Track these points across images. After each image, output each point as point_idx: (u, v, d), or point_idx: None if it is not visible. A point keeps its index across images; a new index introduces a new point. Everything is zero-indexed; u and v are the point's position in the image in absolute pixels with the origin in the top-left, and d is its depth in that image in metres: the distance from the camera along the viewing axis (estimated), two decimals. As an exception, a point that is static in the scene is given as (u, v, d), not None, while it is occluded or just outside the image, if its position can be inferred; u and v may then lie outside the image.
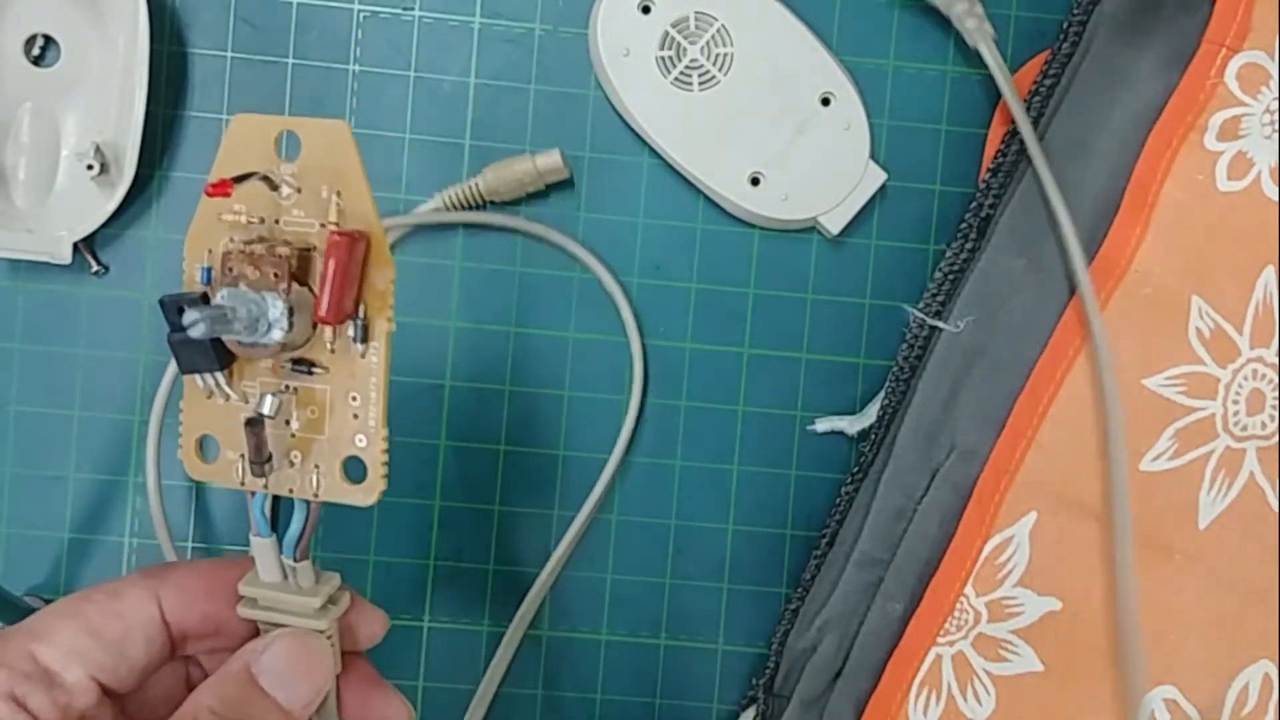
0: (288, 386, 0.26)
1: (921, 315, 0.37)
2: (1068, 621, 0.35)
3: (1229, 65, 0.35)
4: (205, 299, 0.25)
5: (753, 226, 0.40)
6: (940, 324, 0.36)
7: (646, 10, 0.38)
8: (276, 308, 0.25)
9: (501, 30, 0.40)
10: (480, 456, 0.40)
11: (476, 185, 0.39)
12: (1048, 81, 0.37)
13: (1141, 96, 0.36)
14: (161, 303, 0.25)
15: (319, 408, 0.26)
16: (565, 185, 0.40)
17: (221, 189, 0.24)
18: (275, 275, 0.25)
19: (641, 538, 0.40)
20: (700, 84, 0.38)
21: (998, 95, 0.40)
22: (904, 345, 0.37)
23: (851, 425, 0.40)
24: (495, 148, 0.40)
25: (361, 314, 0.26)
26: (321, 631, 0.27)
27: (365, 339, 0.26)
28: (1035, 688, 0.35)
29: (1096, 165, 0.36)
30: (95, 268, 0.39)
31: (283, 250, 0.25)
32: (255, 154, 0.26)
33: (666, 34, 0.38)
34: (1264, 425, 0.36)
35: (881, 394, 0.38)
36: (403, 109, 0.40)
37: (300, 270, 0.25)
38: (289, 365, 0.26)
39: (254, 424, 0.26)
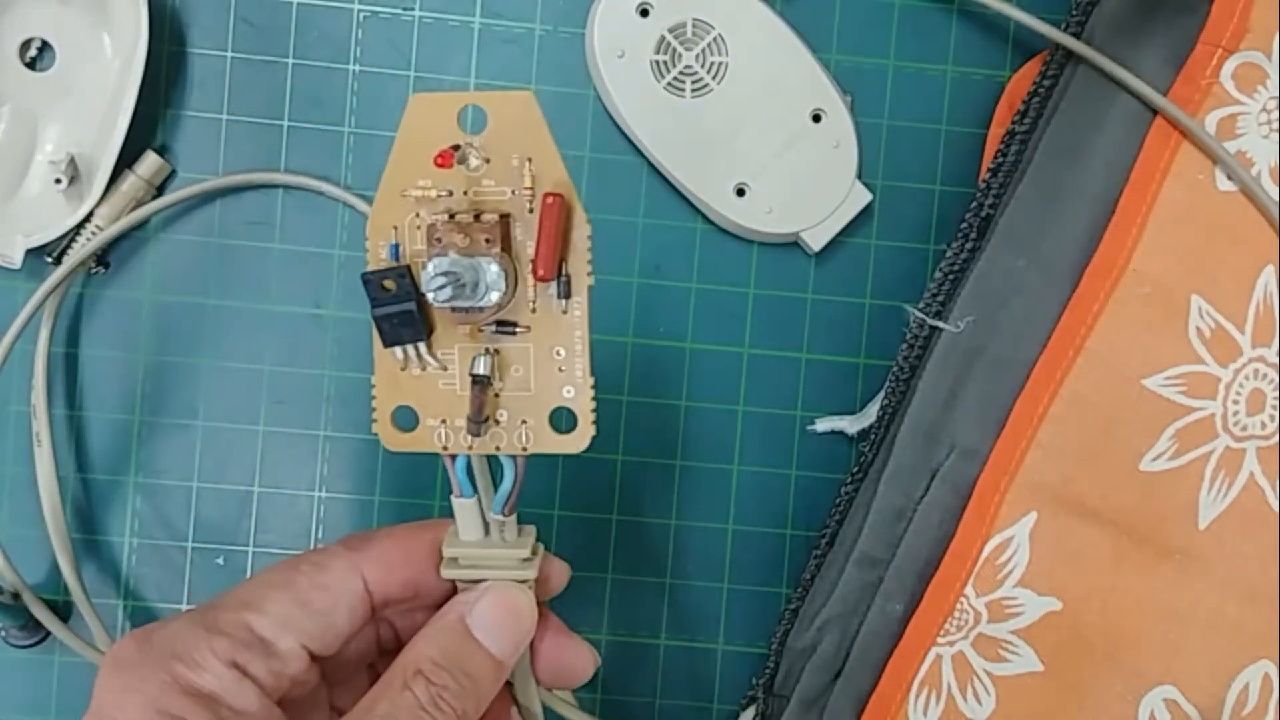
0: (488, 349, 0.27)
1: (921, 315, 0.37)
2: (1068, 621, 0.35)
3: (1225, 65, 0.35)
4: (409, 272, 0.26)
5: (735, 236, 0.40)
6: (940, 324, 0.36)
7: (645, 13, 0.38)
8: (492, 271, 0.26)
9: (501, 30, 0.40)
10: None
11: (98, 226, 0.38)
12: (1047, 82, 0.37)
13: (1140, 96, 0.36)
14: (365, 279, 0.26)
15: (523, 365, 0.27)
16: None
17: (446, 160, 0.26)
18: (487, 240, 0.26)
19: (641, 537, 0.40)
20: (693, 91, 0.38)
21: (998, 95, 0.40)
22: (904, 345, 0.37)
23: (851, 425, 0.40)
24: (495, 148, 0.40)
25: (564, 271, 0.27)
26: (524, 581, 0.28)
27: (568, 294, 0.27)
28: (1035, 688, 0.35)
29: (1095, 165, 0.36)
30: (95, 267, 0.39)
31: (489, 217, 0.26)
32: (436, 132, 0.26)
33: (663, 38, 0.38)
34: (1264, 425, 0.36)
35: (881, 394, 0.38)
36: (402, 109, 0.40)
37: (503, 236, 0.26)
38: (491, 328, 0.27)
39: (479, 382, 0.27)
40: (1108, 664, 0.35)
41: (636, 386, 0.40)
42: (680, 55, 0.38)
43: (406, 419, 0.28)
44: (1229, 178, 0.35)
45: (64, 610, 0.39)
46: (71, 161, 0.37)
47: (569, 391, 0.27)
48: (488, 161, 0.27)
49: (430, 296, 0.26)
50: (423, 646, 0.27)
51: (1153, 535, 0.35)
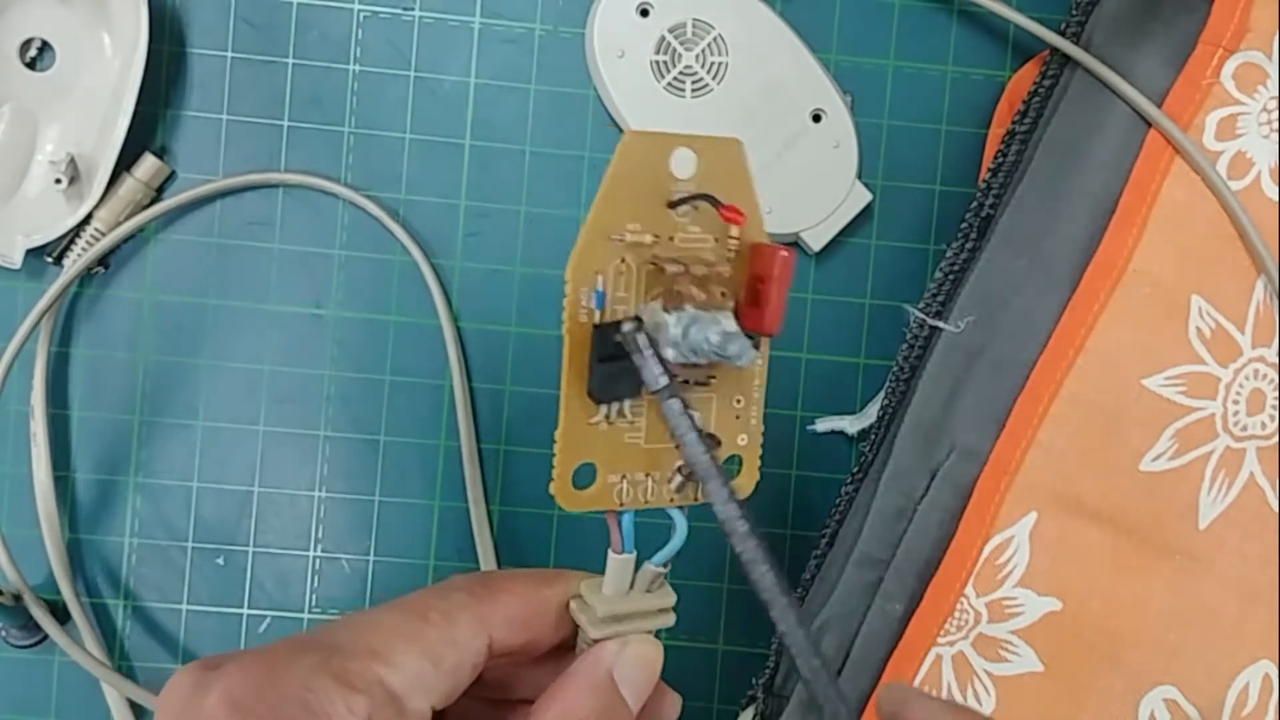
0: (681, 399, 0.26)
1: (921, 315, 0.37)
2: (1068, 621, 0.35)
3: (1225, 65, 0.35)
4: (639, 322, 0.25)
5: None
6: (940, 324, 0.36)
7: (645, 13, 0.38)
8: (731, 324, 0.25)
9: (501, 30, 0.40)
10: (481, 456, 0.40)
11: (97, 229, 0.38)
12: (1047, 82, 0.37)
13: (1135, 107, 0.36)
14: (597, 330, 0.25)
15: (704, 414, 0.27)
16: (566, 184, 0.40)
17: (736, 215, 0.26)
18: (723, 295, 0.26)
19: (641, 537, 0.40)
20: (693, 91, 0.38)
21: (998, 95, 0.40)
22: (904, 345, 0.37)
23: (851, 425, 0.40)
24: (495, 148, 0.40)
25: None
26: (667, 626, 0.28)
27: (757, 345, 0.27)
28: (1035, 688, 0.35)
29: (1095, 165, 0.36)
30: (95, 267, 0.39)
31: (724, 270, 0.26)
32: (648, 171, 0.26)
33: (663, 38, 0.38)
34: (1264, 425, 0.35)
35: (881, 394, 0.38)
36: (403, 109, 0.40)
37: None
38: (691, 380, 0.27)
39: (713, 439, 0.26)
40: (1108, 664, 0.35)
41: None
42: (680, 55, 0.38)
43: (584, 477, 0.27)
44: (1230, 178, 0.35)
45: (64, 611, 0.39)
46: (71, 161, 0.37)
47: (743, 439, 0.27)
48: (696, 208, 0.26)
49: (672, 354, 0.25)
50: (576, 701, 0.26)
51: (1153, 535, 0.35)
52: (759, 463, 0.27)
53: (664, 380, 0.25)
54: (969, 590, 0.35)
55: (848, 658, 0.36)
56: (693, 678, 0.41)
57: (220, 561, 0.40)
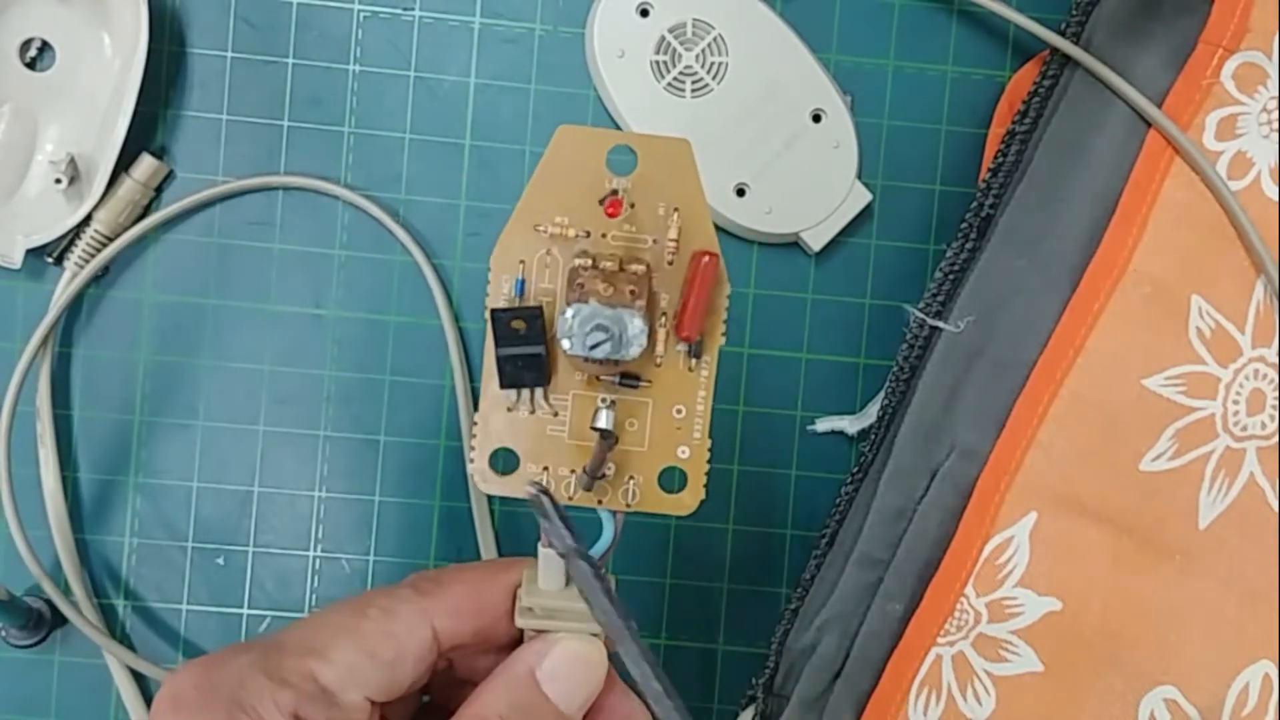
0: (605, 399, 0.26)
1: (921, 315, 0.37)
2: (1068, 621, 0.35)
3: (1225, 65, 0.35)
4: (541, 314, 0.25)
5: (735, 236, 0.40)
6: (940, 324, 0.36)
7: (645, 13, 0.38)
8: (635, 325, 0.25)
9: (501, 30, 0.40)
10: (480, 457, 0.40)
11: (97, 231, 0.38)
12: (1046, 82, 0.37)
13: (1135, 107, 0.36)
14: (494, 315, 0.25)
15: (639, 420, 0.27)
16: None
17: (615, 209, 0.25)
18: (632, 292, 0.25)
19: (641, 538, 0.40)
20: (693, 91, 0.38)
21: (998, 95, 0.40)
22: (904, 345, 0.37)
23: (851, 425, 0.40)
24: (495, 148, 0.40)
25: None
26: (597, 635, 0.28)
27: (699, 354, 0.26)
28: (1035, 688, 0.35)
29: (1096, 164, 0.36)
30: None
31: (636, 268, 0.25)
32: (581, 167, 0.26)
33: (663, 39, 0.38)
34: (1264, 425, 0.36)
35: (881, 394, 0.38)
36: (403, 109, 0.40)
37: (648, 289, 0.26)
38: (614, 379, 0.26)
39: (606, 438, 0.26)
40: (1108, 664, 0.35)
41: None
42: (680, 55, 0.38)
43: (505, 462, 0.27)
44: (1230, 178, 0.35)
45: (74, 610, 0.39)
46: (71, 161, 0.37)
47: (684, 451, 0.27)
48: (632, 206, 0.26)
49: (568, 344, 0.25)
50: (490, 699, 0.26)
51: (1153, 535, 0.35)
52: (704, 479, 0.26)
53: (569, 543, 0.25)
54: (969, 590, 0.35)
55: (848, 658, 0.36)
56: (693, 678, 0.41)
57: (220, 561, 0.40)
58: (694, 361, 0.26)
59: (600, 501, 0.27)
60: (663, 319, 0.26)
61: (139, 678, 0.39)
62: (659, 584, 0.41)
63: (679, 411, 0.27)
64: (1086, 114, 0.36)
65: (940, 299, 0.37)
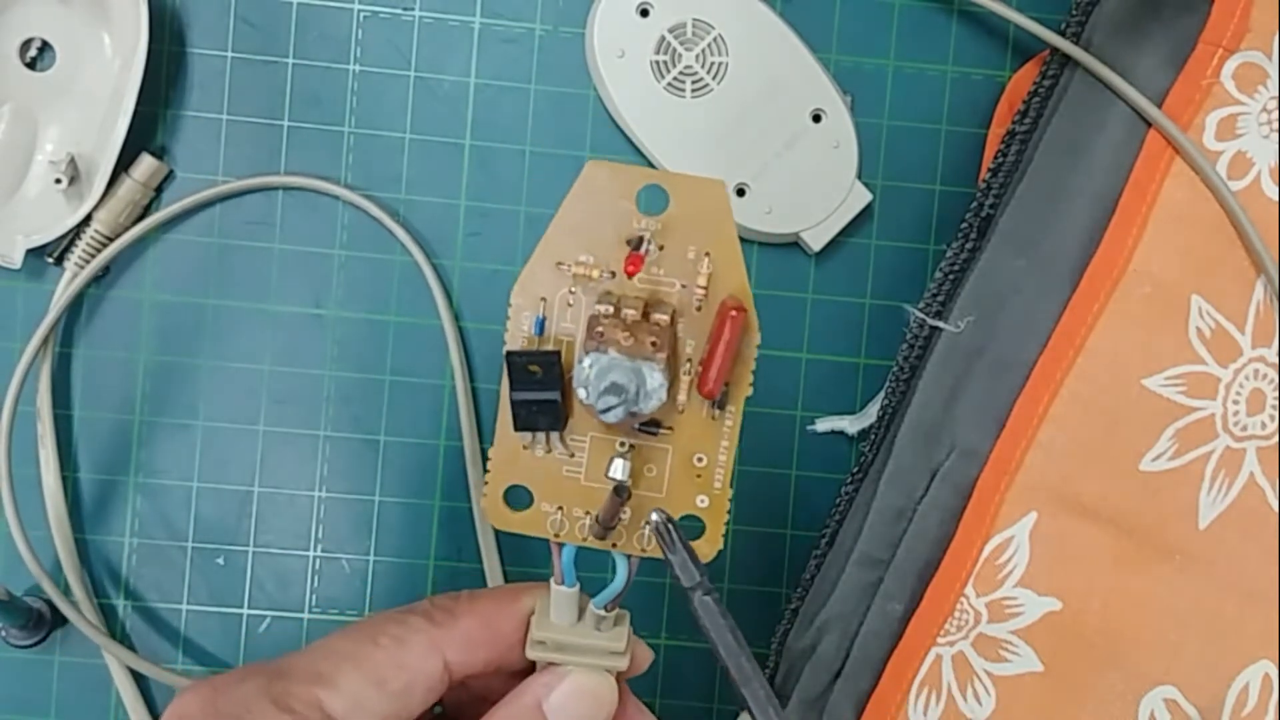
0: (624, 444, 0.26)
1: (921, 315, 0.37)
2: (1068, 621, 0.35)
3: (1226, 65, 0.35)
4: (558, 358, 0.24)
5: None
6: (940, 324, 0.36)
7: (645, 13, 0.38)
8: (654, 378, 0.24)
9: (501, 30, 0.40)
10: (483, 456, 0.40)
11: (97, 231, 0.38)
12: (1046, 82, 0.37)
13: (1135, 108, 0.36)
14: (509, 358, 0.24)
15: (658, 466, 0.26)
16: (566, 184, 0.40)
17: (635, 266, 0.24)
18: (653, 344, 0.24)
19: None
20: (693, 91, 0.38)
21: (998, 95, 0.40)
22: (904, 345, 0.37)
23: (852, 425, 0.40)
24: (495, 148, 0.40)
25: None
26: (616, 669, 0.27)
27: (724, 404, 0.25)
28: (1035, 688, 0.35)
29: (1096, 164, 0.36)
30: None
31: (660, 318, 0.24)
32: (609, 205, 0.24)
33: (663, 39, 0.38)
34: (1264, 425, 0.35)
35: (881, 394, 0.38)
36: (403, 109, 0.40)
37: (671, 338, 0.25)
38: (636, 425, 0.25)
39: (621, 491, 0.25)
40: (1108, 664, 0.35)
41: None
42: (680, 55, 0.38)
43: (520, 499, 0.26)
44: (1230, 178, 0.35)
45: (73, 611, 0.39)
46: (71, 161, 0.37)
47: (703, 501, 0.26)
48: (661, 248, 0.25)
49: (584, 394, 0.24)
50: None
51: (1153, 535, 0.35)
52: (724, 529, 0.26)
53: (697, 578, 0.24)
54: (969, 590, 0.35)
55: (848, 658, 0.36)
56: (693, 678, 0.41)
57: (220, 561, 0.40)
58: (717, 411, 0.25)
59: (615, 545, 0.26)
60: (687, 365, 0.25)
61: (139, 678, 0.39)
62: (658, 584, 0.41)
63: (700, 460, 0.26)
64: (1086, 114, 0.36)
65: (940, 299, 0.37)
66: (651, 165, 0.39)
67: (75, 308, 0.40)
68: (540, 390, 0.24)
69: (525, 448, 0.26)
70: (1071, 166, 0.36)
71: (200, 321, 0.40)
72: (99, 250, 0.38)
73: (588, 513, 0.26)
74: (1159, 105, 0.35)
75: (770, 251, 0.40)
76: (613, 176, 0.24)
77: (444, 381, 0.40)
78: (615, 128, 0.40)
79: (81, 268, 0.38)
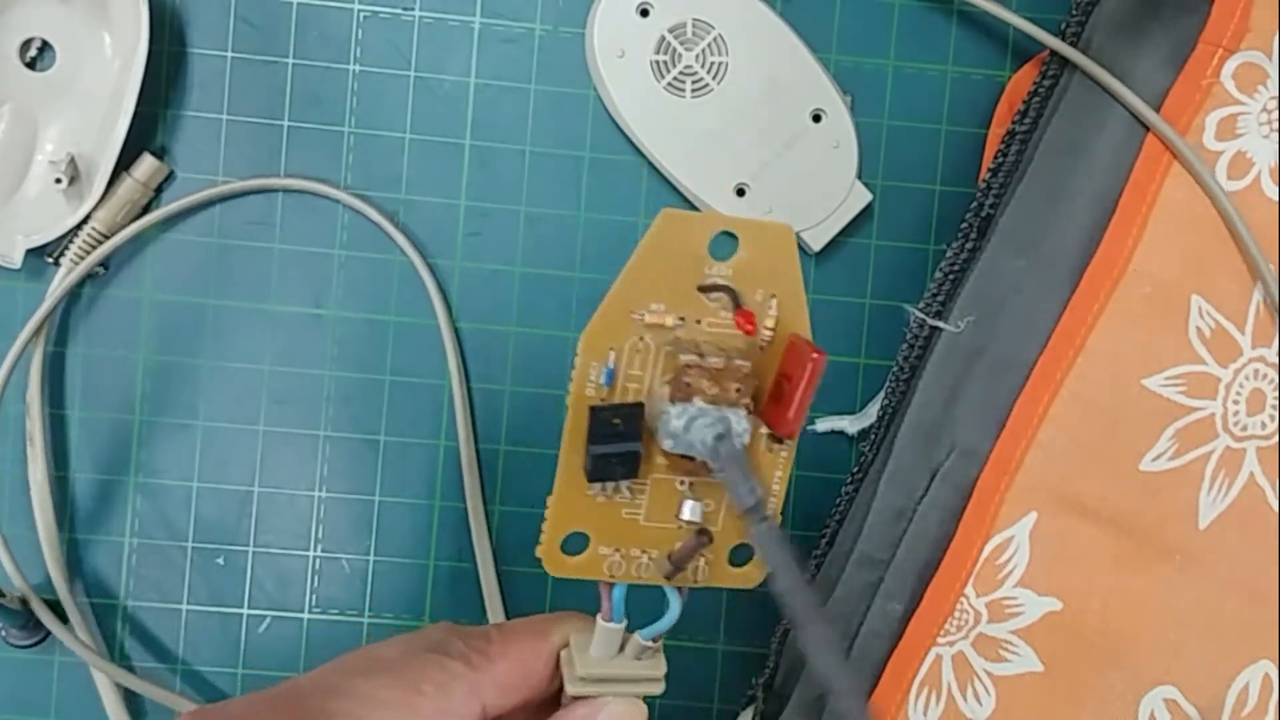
0: (683, 482, 0.26)
1: (921, 315, 0.37)
2: (1068, 621, 0.35)
3: (1226, 65, 0.35)
4: (640, 410, 0.24)
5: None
6: (940, 324, 0.36)
7: (645, 13, 0.38)
8: (741, 424, 0.24)
9: (501, 30, 0.40)
10: (481, 457, 0.40)
11: (95, 229, 0.38)
12: (1046, 82, 0.37)
13: (1140, 96, 0.36)
14: (594, 412, 0.24)
15: (715, 501, 0.26)
16: (566, 184, 0.40)
17: (749, 322, 0.24)
18: (738, 391, 0.24)
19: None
20: (693, 91, 0.38)
21: (998, 95, 0.40)
22: (904, 345, 0.37)
23: (852, 425, 0.40)
24: (495, 148, 0.40)
25: None
26: (653, 695, 0.28)
27: (781, 439, 0.26)
28: (1035, 688, 0.35)
29: (1096, 164, 0.36)
30: (95, 267, 0.39)
31: (741, 364, 0.24)
32: (682, 253, 0.24)
33: (663, 38, 0.38)
34: (1264, 425, 0.35)
35: (881, 394, 0.38)
36: (403, 109, 0.40)
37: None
38: (694, 466, 0.25)
39: (704, 535, 0.25)
40: (1108, 664, 0.35)
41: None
42: (680, 55, 0.38)
43: (576, 544, 0.26)
44: (1229, 178, 0.35)
45: (60, 611, 0.39)
46: (71, 161, 0.37)
47: None
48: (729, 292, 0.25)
49: (670, 444, 0.24)
50: None
51: (1153, 535, 0.35)
52: None
53: (759, 494, 0.24)
54: (969, 590, 0.35)
55: (848, 657, 0.36)
56: (693, 678, 0.41)
57: (220, 561, 0.40)
58: (776, 444, 0.26)
59: (668, 578, 0.26)
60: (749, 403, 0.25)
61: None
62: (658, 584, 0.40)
63: None
64: (1086, 114, 0.36)
65: (940, 299, 0.37)
66: (652, 165, 0.39)
67: (76, 307, 0.40)
68: (622, 443, 0.24)
69: (586, 495, 0.26)
70: (1071, 166, 0.36)
71: (200, 321, 0.40)
72: (96, 247, 0.38)
73: (644, 551, 0.26)
74: (1159, 105, 0.35)
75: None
76: (687, 225, 0.24)
77: (444, 382, 0.40)
78: (615, 128, 0.40)
79: (76, 264, 0.38)
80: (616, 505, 0.26)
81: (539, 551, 0.26)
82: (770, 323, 0.25)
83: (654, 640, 0.27)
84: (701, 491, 0.26)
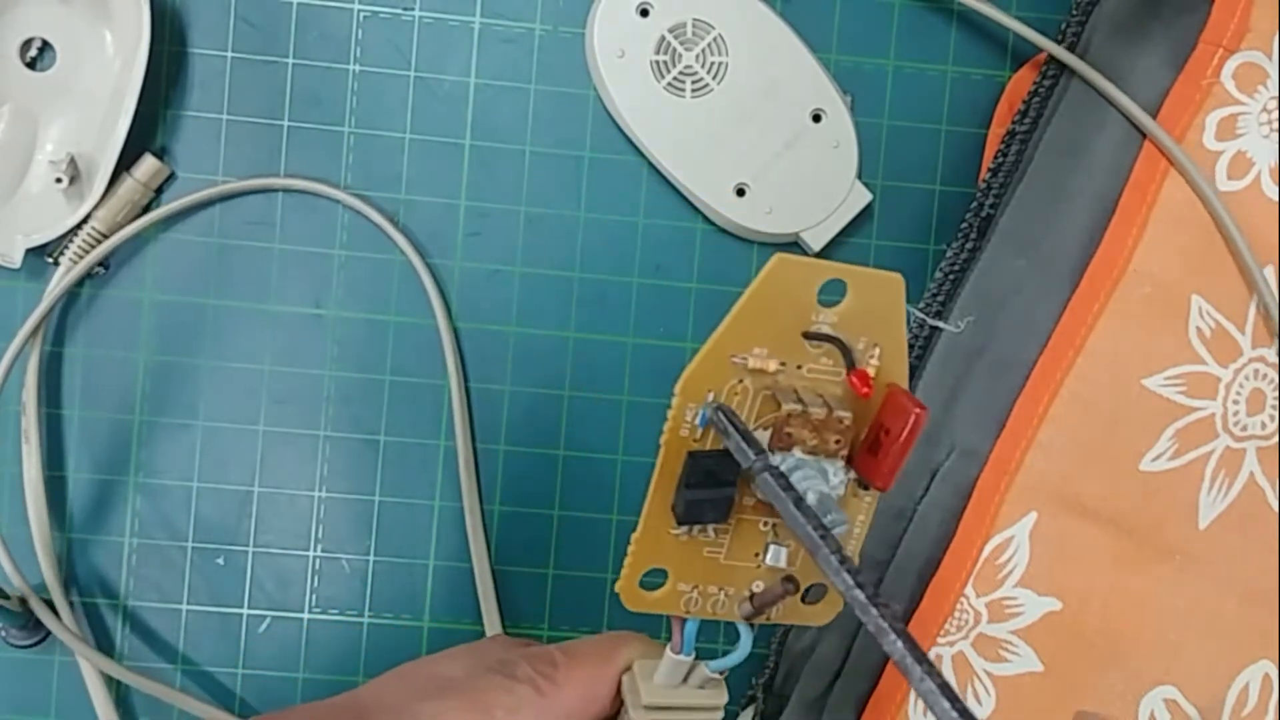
0: (766, 523, 0.26)
1: (922, 315, 0.37)
2: (1068, 621, 0.35)
3: (1226, 65, 0.35)
4: (728, 454, 0.24)
5: (735, 236, 0.40)
6: (940, 324, 0.36)
7: (645, 13, 0.38)
8: (837, 476, 0.24)
9: (501, 30, 0.40)
10: (481, 458, 0.40)
11: (94, 229, 0.38)
12: (1047, 82, 0.37)
13: (1140, 96, 0.36)
14: (693, 459, 0.24)
15: (794, 542, 0.26)
16: (566, 184, 0.40)
17: (867, 383, 0.24)
18: (837, 442, 0.24)
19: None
20: (693, 91, 0.38)
21: (998, 95, 0.40)
22: (904, 345, 0.37)
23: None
24: (495, 148, 0.40)
25: None
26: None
27: (867, 485, 0.25)
28: (1035, 688, 0.35)
29: (1096, 165, 0.36)
30: (95, 267, 0.39)
31: (845, 416, 0.24)
32: (790, 300, 0.24)
33: (663, 39, 0.38)
34: (1264, 425, 0.35)
35: (881, 394, 0.38)
36: (403, 109, 0.40)
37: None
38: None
39: (790, 583, 0.26)
40: (1108, 664, 0.35)
41: (636, 386, 0.40)
42: (680, 55, 0.38)
43: (654, 579, 0.26)
44: (1229, 178, 0.35)
45: (51, 608, 0.39)
46: (72, 161, 0.37)
47: None
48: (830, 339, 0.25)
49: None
50: None
51: (1153, 535, 0.35)
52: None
53: (753, 458, 0.23)
54: (969, 590, 0.35)
55: (848, 658, 0.36)
56: (693, 678, 0.41)
57: (220, 561, 0.40)
58: (861, 490, 0.26)
59: (747, 618, 0.27)
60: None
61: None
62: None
63: None
64: (1086, 114, 0.36)
65: (940, 299, 0.37)
66: (652, 165, 0.39)
67: (75, 307, 0.40)
68: (716, 488, 0.24)
69: (671, 534, 0.26)
70: (1071, 167, 0.36)
71: (200, 321, 0.40)
72: (95, 246, 0.38)
73: (720, 588, 0.26)
74: (1159, 105, 0.35)
75: (770, 251, 0.40)
76: (799, 271, 0.24)
77: (444, 382, 0.40)
78: (615, 128, 0.40)
79: (76, 263, 0.38)
80: (699, 544, 0.26)
81: (618, 587, 0.26)
82: (872, 372, 0.25)
83: (721, 673, 0.28)
84: (785, 535, 0.26)
